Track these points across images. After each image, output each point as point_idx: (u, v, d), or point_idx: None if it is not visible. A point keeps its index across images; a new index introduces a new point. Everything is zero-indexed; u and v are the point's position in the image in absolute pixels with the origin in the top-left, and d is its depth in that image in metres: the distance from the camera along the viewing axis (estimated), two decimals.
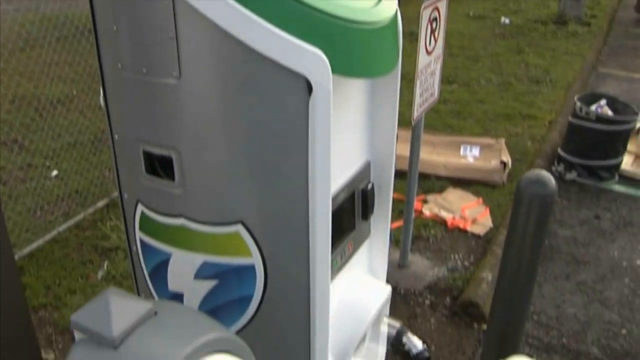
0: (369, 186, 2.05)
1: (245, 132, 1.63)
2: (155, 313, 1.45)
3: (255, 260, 1.74)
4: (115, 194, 4.72)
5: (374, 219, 2.18)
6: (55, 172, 5.50)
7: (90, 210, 5.04)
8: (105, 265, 4.44)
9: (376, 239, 2.24)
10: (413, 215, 4.34)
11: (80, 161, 5.43)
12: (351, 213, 2.03)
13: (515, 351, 2.47)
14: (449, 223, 5.03)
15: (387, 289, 2.17)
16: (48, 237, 4.70)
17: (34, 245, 4.59)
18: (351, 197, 1.99)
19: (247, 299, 1.81)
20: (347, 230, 2.02)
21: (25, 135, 5.70)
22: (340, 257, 1.99)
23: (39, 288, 4.22)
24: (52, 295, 4.19)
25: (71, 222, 4.88)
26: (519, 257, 2.64)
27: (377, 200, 2.13)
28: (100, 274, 4.32)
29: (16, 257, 4.22)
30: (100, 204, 5.11)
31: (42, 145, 5.39)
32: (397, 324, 2.19)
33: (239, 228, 1.70)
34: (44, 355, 3.28)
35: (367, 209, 2.06)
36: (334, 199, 1.80)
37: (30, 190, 5.10)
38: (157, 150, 1.71)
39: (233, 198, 1.69)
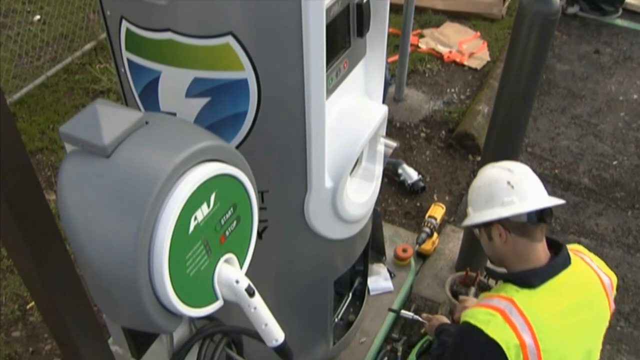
0: (364, 0, 1.94)
1: None
2: (147, 123, 1.42)
3: (248, 74, 1.69)
4: (103, 35, 4.59)
5: (369, 37, 2.09)
6: (37, 17, 5.30)
7: (78, 53, 4.91)
8: None
9: (372, 60, 2.16)
10: (409, 49, 4.24)
11: (63, 4, 5.21)
12: (346, 29, 1.95)
13: None
14: (445, 57, 4.93)
15: (383, 109, 2.14)
16: (37, 82, 4.62)
17: (24, 90, 4.52)
18: (346, 12, 1.90)
19: (242, 116, 1.77)
20: (342, 47, 1.95)
21: None
22: (335, 74, 1.93)
23: (34, 133, 4.21)
24: (47, 139, 4.19)
25: (59, 66, 4.78)
26: (517, 83, 2.58)
27: (373, 18, 2.03)
28: None
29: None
30: (88, 46, 4.97)
31: None
32: (393, 144, 2.17)
33: (230, 39, 1.63)
34: (46, 196, 3.33)
35: (362, 25, 1.97)
36: (327, 11, 1.72)
37: (13, 36, 4.92)
38: None
39: (221, 7, 1.60)
